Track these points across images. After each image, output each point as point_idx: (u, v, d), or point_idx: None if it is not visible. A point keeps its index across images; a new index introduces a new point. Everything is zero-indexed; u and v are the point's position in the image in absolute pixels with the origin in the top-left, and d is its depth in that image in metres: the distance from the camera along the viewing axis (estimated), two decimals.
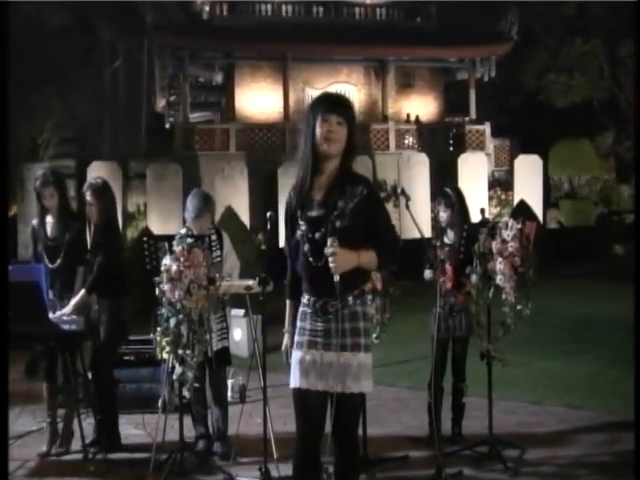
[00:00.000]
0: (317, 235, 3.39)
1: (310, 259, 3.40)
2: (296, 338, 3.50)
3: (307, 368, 3.41)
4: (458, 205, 5.68)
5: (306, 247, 3.41)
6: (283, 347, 3.70)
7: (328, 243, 3.31)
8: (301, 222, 3.43)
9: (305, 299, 3.49)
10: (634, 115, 21.21)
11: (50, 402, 5.71)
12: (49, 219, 5.74)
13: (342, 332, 3.40)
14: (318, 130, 3.43)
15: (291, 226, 3.52)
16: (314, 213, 3.43)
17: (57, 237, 5.69)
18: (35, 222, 5.80)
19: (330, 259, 3.29)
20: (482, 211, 19.99)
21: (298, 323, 3.51)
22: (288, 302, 3.66)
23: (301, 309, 3.52)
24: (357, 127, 3.60)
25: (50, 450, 5.65)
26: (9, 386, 4.58)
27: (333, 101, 3.56)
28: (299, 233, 3.44)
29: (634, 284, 6.18)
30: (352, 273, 3.38)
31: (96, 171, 20.72)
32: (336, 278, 3.30)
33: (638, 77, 23.60)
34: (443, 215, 5.72)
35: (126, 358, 6.97)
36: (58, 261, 5.59)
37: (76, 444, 5.60)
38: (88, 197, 5.79)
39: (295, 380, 3.44)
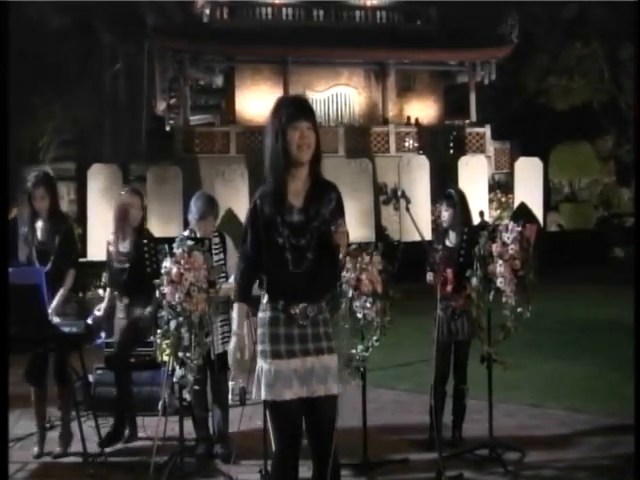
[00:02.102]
0: (302, 241, 3.40)
1: (291, 267, 3.40)
2: (267, 347, 3.41)
3: (289, 378, 3.38)
4: (460, 206, 5.69)
5: (288, 255, 3.38)
6: (233, 349, 3.46)
7: (338, 224, 3.36)
8: (282, 229, 3.39)
9: (278, 304, 3.42)
10: (634, 118, 21.21)
11: (40, 405, 5.72)
12: (39, 223, 5.70)
13: (318, 336, 3.43)
14: (289, 138, 3.38)
15: (266, 232, 3.42)
16: (295, 219, 3.42)
17: (47, 241, 5.67)
18: (23, 226, 5.72)
19: (341, 239, 3.35)
20: (481, 214, 20.03)
21: (266, 329, 3.43)
22: (239, 305, 3.50)
23: (270, 314, 3.44)
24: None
25: (42, 451, 5.66)
26: (9, 389, 4.58)
27: (300, 106, 3.46)
28: (280, 240, 3.39)
29: (634, 287, 6.18)
30: (331, 277, 3.53)
31: (96, 174, 20.79)
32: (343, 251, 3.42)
33: (638, 80, 23.61)
34: (445, 214, 5.72)
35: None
36: (49, 265, 5.57)
37: (77, 446, 5.60)
38: (128, 198, 5.88)
39: (275, 393, 3.37)
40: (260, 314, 3.48)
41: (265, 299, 3.47)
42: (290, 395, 3.37)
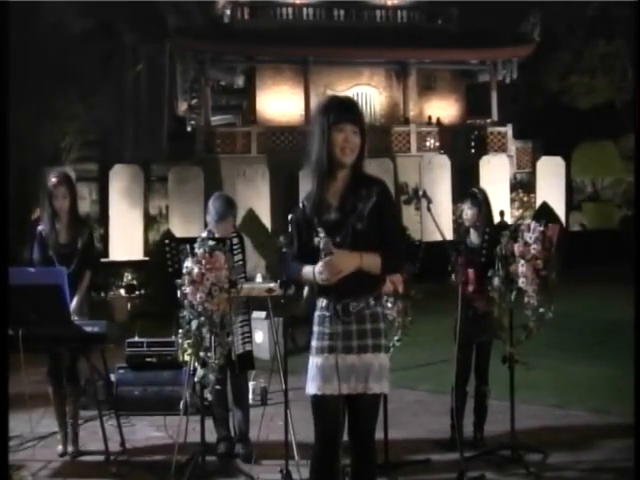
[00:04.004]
0: (337, 238, 3.38)
1: None
2: (314, 343, 3.48)
3: (329, 374, 3.40)
4: (484, 205, 5.67)
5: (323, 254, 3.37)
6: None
7: (327, 243, 3.30)
8: (319, 228, 3.39)
9: (323, 303, 3.48)
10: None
11: (59, 404, 5.75)
12: (60, 225, 5.73)
13: (363, 333, 3.43)
14: (334, 140, 3.39)
15: (307, 232, 3.45)
16: (332, 217, 3.43)
17: (69, 243, 5.69)
18: (42, 227, 5.74)
19: (326, 259, 3.30)
20: (501, 214, 19.90)
21: (316, 327, 3.50)
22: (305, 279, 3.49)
23: (319, 313, 3.50)
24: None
25: (66, 450, 5.71)
26: (31, 387, 4.62)
27: (347, 109, 3.46)
28: (317, 240, 3.38)
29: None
30: (372, 274, 3.42)
31: (118, 174, 20.87)
32: (333, 279, 3.31)
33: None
34: (468, 213, 5.70)
35: (148, 360, 7.00)
36: (71, 267, 5.59)
37: (99, 445, 5.63)
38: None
39: (316, 387, 3.42)
40: (315, 313, 3.53)
41: (317, 299, 3.52)
42: (330, 390, 3.39)
